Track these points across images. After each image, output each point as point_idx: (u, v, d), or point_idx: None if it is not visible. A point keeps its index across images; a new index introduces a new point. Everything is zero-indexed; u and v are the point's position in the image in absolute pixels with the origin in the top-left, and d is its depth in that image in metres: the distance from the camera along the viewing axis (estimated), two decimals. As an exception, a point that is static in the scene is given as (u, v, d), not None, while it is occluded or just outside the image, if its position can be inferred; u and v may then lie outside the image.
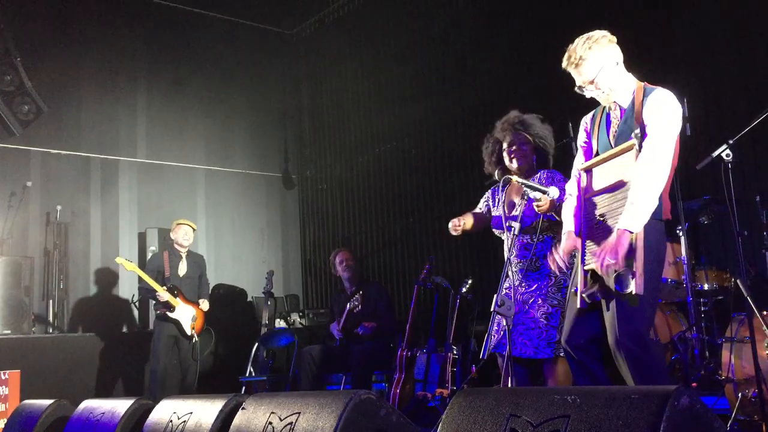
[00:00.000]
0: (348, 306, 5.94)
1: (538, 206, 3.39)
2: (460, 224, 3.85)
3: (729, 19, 5.62)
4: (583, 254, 2.94)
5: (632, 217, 2.77)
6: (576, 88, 3.03)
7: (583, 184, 3.07)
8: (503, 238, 3.88)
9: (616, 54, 2.99)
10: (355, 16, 9.07)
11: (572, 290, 3.05)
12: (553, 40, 6.42)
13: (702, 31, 5.77)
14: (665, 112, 2.85)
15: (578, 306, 2.92)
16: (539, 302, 3.64)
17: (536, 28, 6.89)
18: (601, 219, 2.90)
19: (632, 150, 2.83)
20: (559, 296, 3.62)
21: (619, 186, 2.87)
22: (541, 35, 6.77)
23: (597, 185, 3.00)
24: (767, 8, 5.33)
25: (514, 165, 3.77)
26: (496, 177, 3.76)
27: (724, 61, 5.63)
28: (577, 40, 2.99)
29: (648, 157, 2.78)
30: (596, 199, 2.97)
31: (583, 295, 2.89)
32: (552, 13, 6.73)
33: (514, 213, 3.77)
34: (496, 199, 3.94)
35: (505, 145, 3.80)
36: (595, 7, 6.25)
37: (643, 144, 2.81)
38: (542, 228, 3.64)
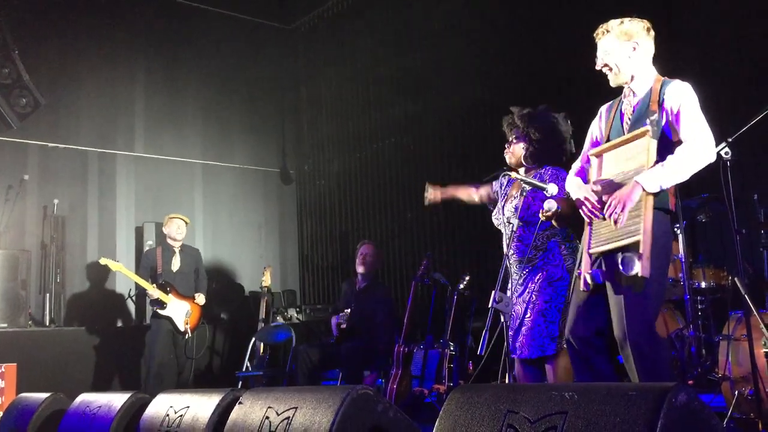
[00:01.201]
0: (337, 318, 5.92)
1: (545, 215, 3.39)
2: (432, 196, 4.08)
3: (728, 18, 5.62)
4: (590, 238, 2.94)
5: (653, 175, 2.76)
6: (596, 57, 3.08)
7: (594, 169, 3.07)
8: (501, 229, 3.90)
9: (642, 41, 3.00)
10: (354, 11, 9.05)
11: (576, 274, 3.05)
12: (553, 38, 6.47)
13: (701, 30, 5.77)
14: (693, 101, 2.88)
15: (581, 288, 2.91)
16: (534, 299, 3.64)
17: (536, 26, 6.88)
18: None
19: (645, 136, 2.84)
20: (549, 291, 3.62)
21: (628, 172, 2.87)
22: (540, 33, 6.77)
23: (607, 170, 3.00)
24: (767, 7, 5.33)
25: (508, 159, 3.86)
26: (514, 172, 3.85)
27: (724, 60, 5.63)
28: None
29: (699, 138, 2.79)
30: (605, 184, 2.96)
31: (586, 275, 2.88)
32: (552, 12, 6.72)
33: (511, 206, 3.77)
34: (504, 191, 3.94)
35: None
36: (594, 7, 6.24)
37: (684, 130, 2.83)
38: (543, 234, 3.67)
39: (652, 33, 3.03)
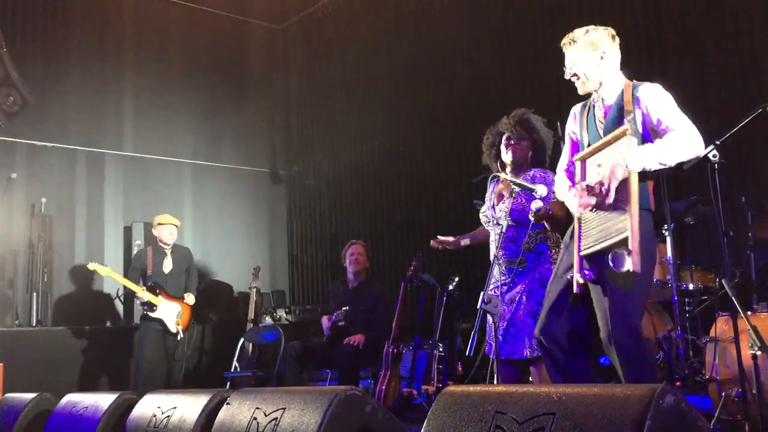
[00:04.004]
0: (335, 316, 5.90)
1: (533, 215, 3.38)
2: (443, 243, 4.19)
3: (717, 21, 5.65)
4: (579, 240, 2.95)
5: (638, 153, 2.76)
6: (564, 67, 3.11)
7: (578, 174, 3.09)
8: (488, 228, 3.91)
9: (608, 49, 3.03)
10: (344, 12, 9.06)
11: (567, 276, 3.06)
12: (543, 37, 6.49)
13: (690, 32, 5.80)
14: (669, 99, 2.90)
15: (575, 291, 2.92)
16: (524, 300, 3.65)
17: (526, 25, 6.91)
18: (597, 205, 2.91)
19: (625, 135, 2.85)
20: (542, 292, 3.63)
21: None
22: (531, 32, 6.80)
23: (592, 174, 3.01)
24: (754, 10, 5.37)
25: (509, 157, 3.84)
26: (497, 169, 3.87)
27: (711, 62, 5.66)
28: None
29: (687, 127, 2.81)
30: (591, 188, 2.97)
31: (577, 277, 2.89)
32: (542, 10, 6.75)
33: (504, 207, 3.78)
34: (489, 192, 3.96)
35: (504, 138, 3.85)
36: (585, 6, 6.27)
37: (669, 122, 2.85)
38: (535, 236, 3.69)
39: (617, 40, 3.08)
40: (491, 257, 3.86)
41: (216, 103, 9.16)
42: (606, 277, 2.82)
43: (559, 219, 3.40)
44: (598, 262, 2.87)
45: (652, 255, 2.93)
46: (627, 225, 2.74)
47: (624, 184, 2.80)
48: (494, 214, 3.81)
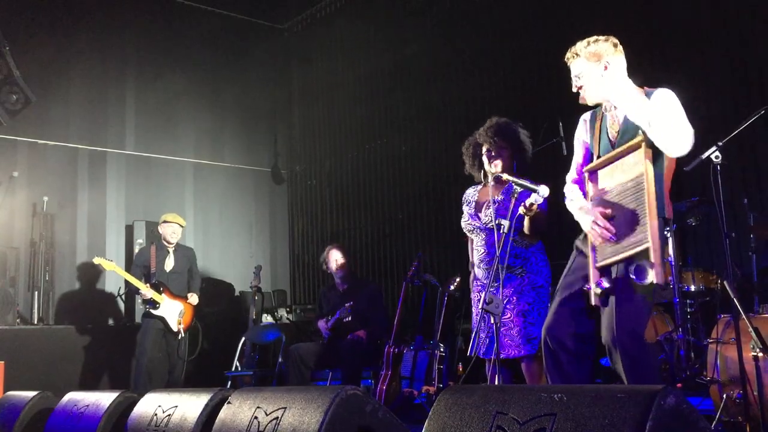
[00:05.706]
0: (338, 314, 5.89)
1: (528, 207, 3.37)
2: None
3: (719, 23, 5.65)
4: (594, 252, 2.94)
5: (634, 100, 2.83)
6: (571, 80, 3.11)
7: (589, 186, 3.05)
8: (472, 237, 3.91)
9: (611, 59, 3.01)
10: (347, 11, 9.06)
11: (563, 279, 3.06)
12: (545, 39, 6.49)
13: (692, 34, 5.80)
14: (675, 103, 2.88)
15: (593, 303, 2.91)
16: (514, 300, 3.68)
17: (529, 26, 6.91)
18: (612, 218, 2.89)
19: (641, 147, 2.80)
20: (533, 294, 3.67)
21: (628, 184, 2.85)
22: (533, 34, 6.80)
23: (604, 186, 2.98)
24: (757, 12, 5.37)
25: (494, 168, 3.83)
26: (481, 179, 3.87)
27: (714, 64, 5.66)
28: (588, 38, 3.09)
29: (683, 123, 2.81)
30: (605, 199, 2.94)
31: (595, 288, 2.87)
32: (544, 12, 6.74)
33: (487, 213, 3.78)
34: (473, 199, 3.97)
35: (484, 149, 3.84)
36: (586, 9, 6.27)
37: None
38: (521, 241, 3.70)
39: (621, 48, 3.06)
40: (476, 261, 3.87)
41: (218, 102, 9.16)
42: (619, 284, 2.80)
43: (542, 220, 3.49)
44: (610, 271, 2.86)
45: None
46: (647, 236, 2.70)
47: (640, 191, 2.77)
48: (480, 221, 3.81)
